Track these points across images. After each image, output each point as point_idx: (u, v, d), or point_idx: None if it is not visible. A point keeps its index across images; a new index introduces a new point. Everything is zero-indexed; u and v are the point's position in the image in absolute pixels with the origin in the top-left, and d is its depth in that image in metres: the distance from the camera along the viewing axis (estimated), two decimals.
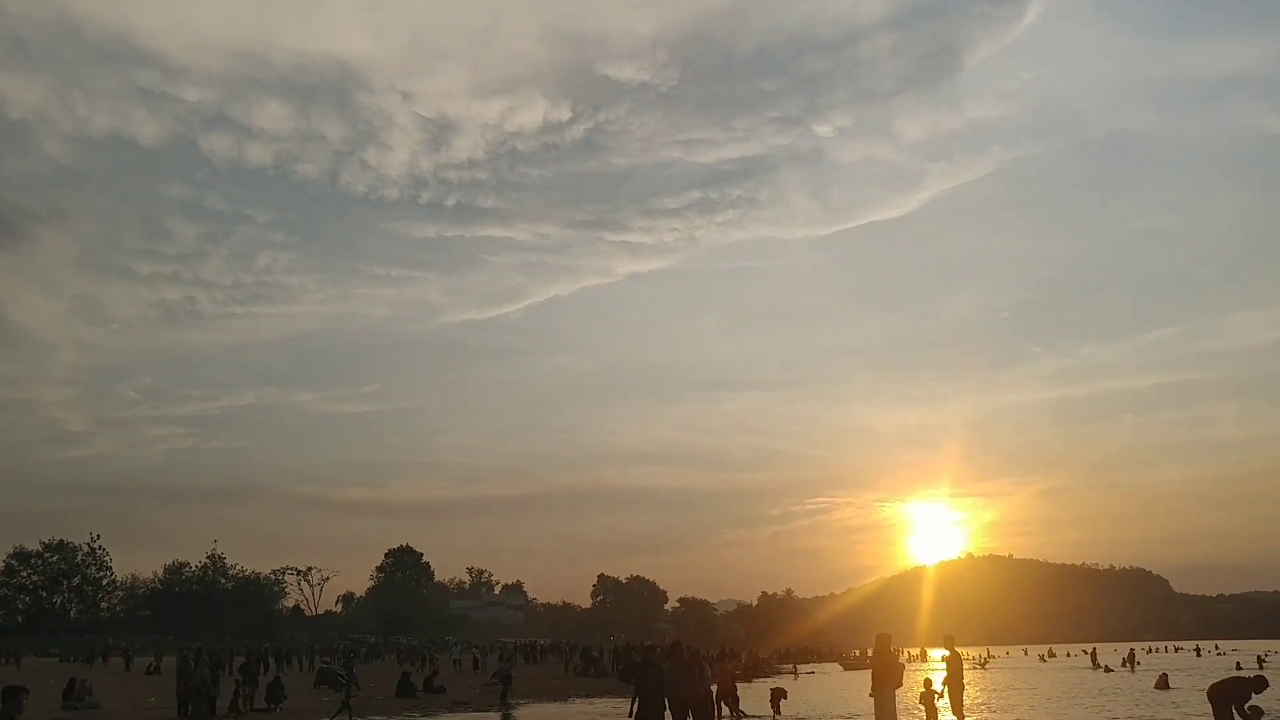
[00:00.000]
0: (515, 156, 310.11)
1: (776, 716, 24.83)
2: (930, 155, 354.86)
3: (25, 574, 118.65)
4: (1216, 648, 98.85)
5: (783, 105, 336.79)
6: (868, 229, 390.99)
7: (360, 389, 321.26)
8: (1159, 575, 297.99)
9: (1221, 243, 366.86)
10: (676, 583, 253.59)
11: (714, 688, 22.89)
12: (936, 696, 22.70)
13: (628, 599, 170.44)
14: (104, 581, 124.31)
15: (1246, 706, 17.61)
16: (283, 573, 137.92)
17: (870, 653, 24.24)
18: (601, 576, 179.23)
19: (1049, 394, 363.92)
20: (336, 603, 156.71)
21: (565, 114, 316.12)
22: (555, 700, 38.67)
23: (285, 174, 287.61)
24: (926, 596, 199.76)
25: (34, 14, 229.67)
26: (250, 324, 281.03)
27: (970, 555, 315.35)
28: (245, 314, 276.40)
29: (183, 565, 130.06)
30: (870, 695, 22.34)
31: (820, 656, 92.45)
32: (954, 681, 22.80)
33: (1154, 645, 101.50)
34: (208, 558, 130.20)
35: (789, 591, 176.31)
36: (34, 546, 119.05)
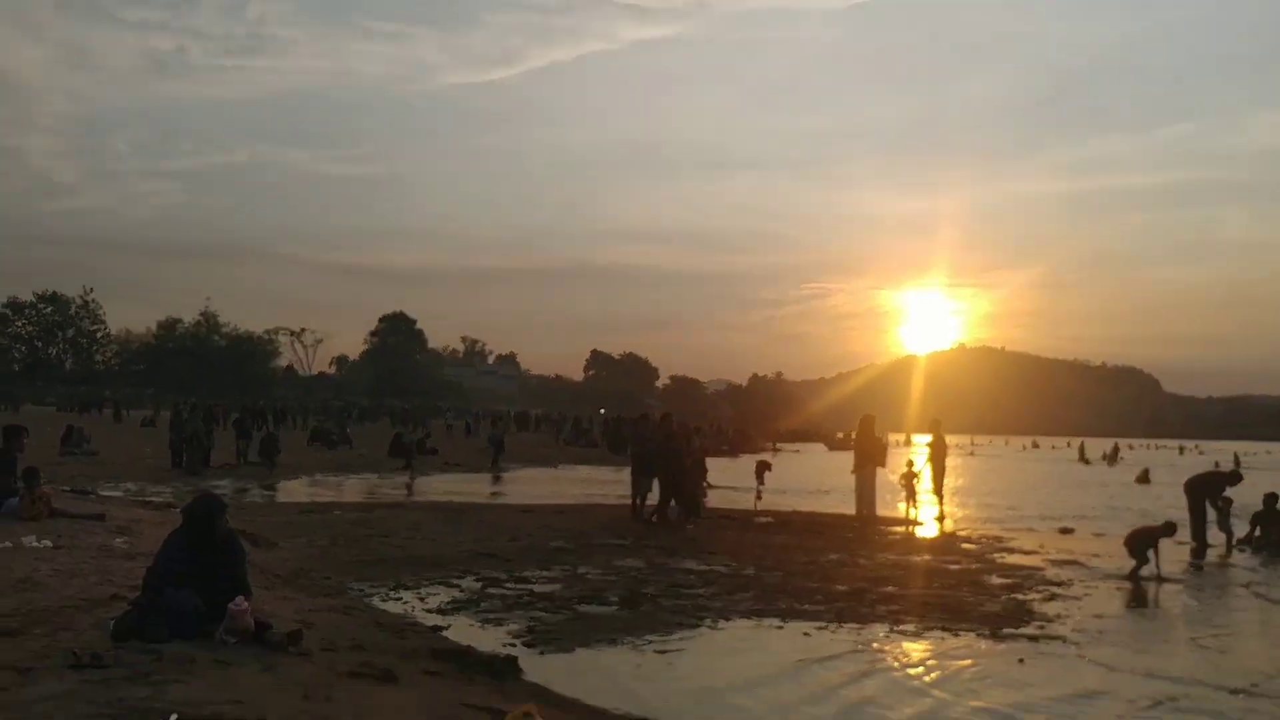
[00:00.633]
0: None
1: (760, 487, 25.39)
2: None
3: (20, 324, 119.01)
4: (1197, 447, 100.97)
5: None
6: (886, 3, 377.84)
7: (355, 150, 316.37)
8: (1150, 374, 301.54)
9: (1248, 36, 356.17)
10: (669, 362, 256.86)
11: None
12: (916, 479, 23.10)
13: (620, 375, 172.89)
14: (98, 335, 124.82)
15: (1219, 499, 18.05)
16: (276, 333, 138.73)
17: (854, 435, 24.55)
18: (595, 352, 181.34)
19: (1057, 186, 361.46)
20: (330, 364, 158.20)
21: None
22: (545, 466, 39.57)
23: None
24: (917, 385, 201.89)
25: None
26: (243, 78, 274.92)
27: (963, 346, 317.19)
28: (237, 67, 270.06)
29: (175, 321, 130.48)
30: (852, 473, 22.77)
31: (807, 438, 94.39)
32: (936, 464, 23.17)
33: (1137, 443, 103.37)
34: (200, 315, 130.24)
35: (779, 375, 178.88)
36: (27, 297, 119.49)
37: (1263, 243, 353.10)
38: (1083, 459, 63.12)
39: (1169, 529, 14.92)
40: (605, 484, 30.04)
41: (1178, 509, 19.05)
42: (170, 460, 28.19)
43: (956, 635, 10.01)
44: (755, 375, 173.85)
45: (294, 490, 25.31)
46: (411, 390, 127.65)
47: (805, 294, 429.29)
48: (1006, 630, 10.20)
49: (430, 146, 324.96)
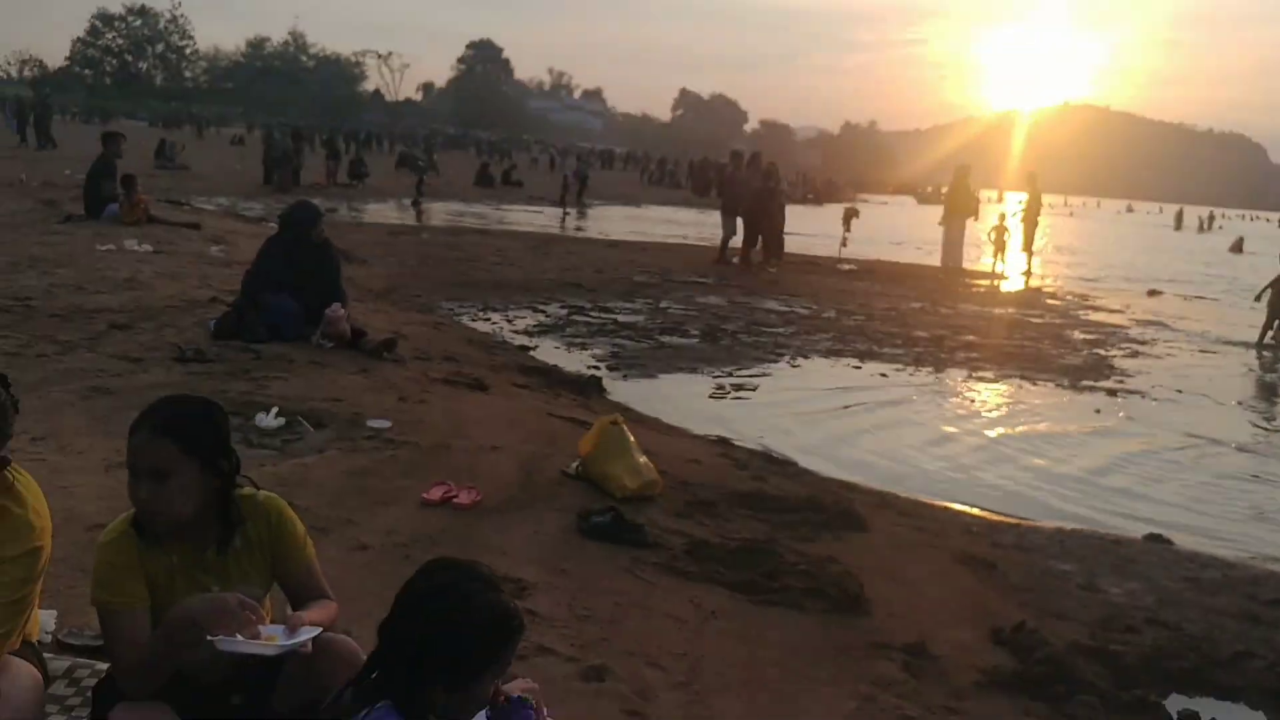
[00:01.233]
0: None
1: (846, 234, 25.08)
2: None
3: (110, 36, 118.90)
4: None
5: None
6: None
7: None
8: (1257, 142, 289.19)
9: None
10: (758, 106, 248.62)
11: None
12: (1007, 233, 22.69)
13: (708, 116, 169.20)
14: (187, 50, 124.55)
15: None
16: (363, 55, 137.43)
17: (945, 190, 24.01)
18: (683, 91, 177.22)
19: None
20: (417, 90, 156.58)
21: None
22: (629, 205, 39.45)
23: None
24: (1017, 142, 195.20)
25: None
26: None
27: (1067, 104, 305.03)
28: None
29: (264, 40, 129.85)
30: (940, 224, 22.43)
31: (897, 190, 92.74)
32: (1029, 220, 22.66)
33: (1233, 213, 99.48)
34: (289, 34, 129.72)
35: (873, 124, 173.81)
36: (116, 10, 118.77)
37: None
38: (1178, 225, 61.41)
39: None
40: (688, 225, 29.91)
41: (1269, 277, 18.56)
42: (262, 176, 28.56)
43: (1034, 384, 10.08)
44: (848, 123, 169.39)
45: (382, 213, 25.57)
46: (497, 122, 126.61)
47: (906, 38, 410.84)
48: (1085, 383, 10.23)
49: None
